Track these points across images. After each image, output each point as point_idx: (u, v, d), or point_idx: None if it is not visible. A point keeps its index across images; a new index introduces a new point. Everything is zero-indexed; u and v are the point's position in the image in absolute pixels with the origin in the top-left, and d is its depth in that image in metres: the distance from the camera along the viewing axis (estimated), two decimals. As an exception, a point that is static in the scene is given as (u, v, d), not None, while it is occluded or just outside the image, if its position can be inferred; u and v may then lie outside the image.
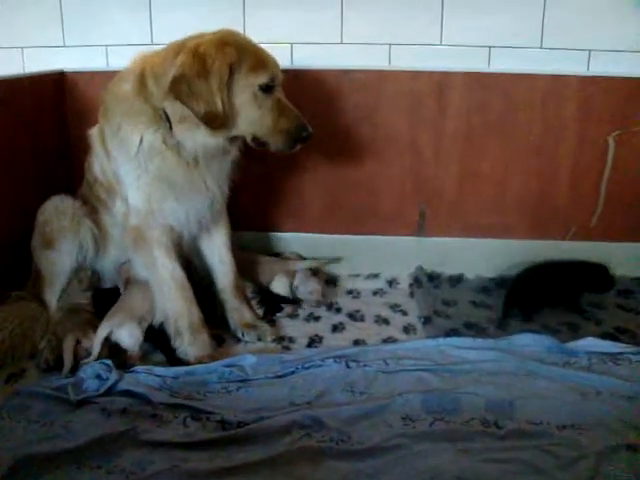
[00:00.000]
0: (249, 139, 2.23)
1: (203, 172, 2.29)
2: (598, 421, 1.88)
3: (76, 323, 2.32)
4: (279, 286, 2.70)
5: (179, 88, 2.06)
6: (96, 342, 2.21)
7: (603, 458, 1.73)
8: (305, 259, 2.96)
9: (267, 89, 2.14)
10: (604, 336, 2.42)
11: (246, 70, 2.10)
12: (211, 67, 2.03)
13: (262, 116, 2.17)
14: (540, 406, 1.95)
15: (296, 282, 2.73)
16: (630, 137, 2.85)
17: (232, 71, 2.07)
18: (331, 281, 2.93)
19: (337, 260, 3.01)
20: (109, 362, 2.11)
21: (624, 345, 2.30)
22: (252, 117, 2.16)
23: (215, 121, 2.10)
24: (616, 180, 2.91)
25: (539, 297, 2.67)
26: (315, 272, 2.84)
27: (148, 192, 2.27)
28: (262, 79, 2.12)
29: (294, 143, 2.22)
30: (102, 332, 2.23)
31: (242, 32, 2.72)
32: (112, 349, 2.24)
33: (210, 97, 2.05)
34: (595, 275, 2.70)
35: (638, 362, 2.19)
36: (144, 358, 2.28)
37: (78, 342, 2.22)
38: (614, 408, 1.95)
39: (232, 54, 2.06)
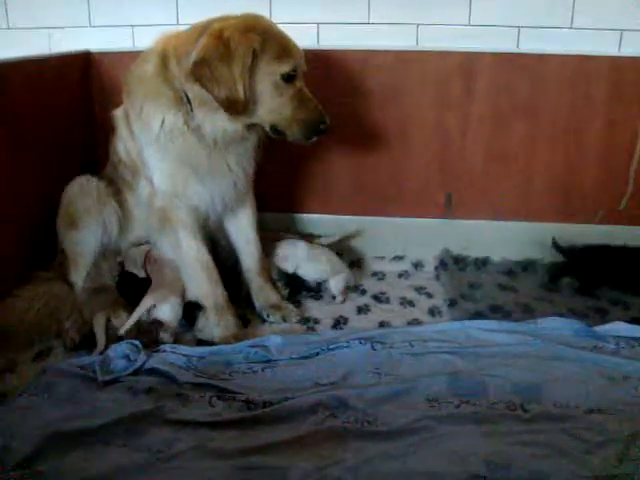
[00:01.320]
0: (267, 127, 2.22)
1: (225, 155, 2.29)
2: (626, 406, 1.86)
3: (105, 302, 2.33)
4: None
5: (201, 71, 2.05)
6: (136, 313, 2.23)
7: (631, 442, 1.70)
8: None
9: (289, 78, 2.13)
10: (632, 321, 2.39)
11: (269, 58, 2.08)
12: (234, 52, 2.02)
13: (282, 105, 2.16)
14: (567, 390, 1.93)
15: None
16: (662, 120, 2.80)
17: (255, 58, 2.06)
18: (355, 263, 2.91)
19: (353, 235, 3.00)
20: (137, 343, 2.11)
21: (653, 330, 2.28)
22: (272, 105, 2.16)
23: (235, 107, 2.09)
24: (646, 163, 2.87)
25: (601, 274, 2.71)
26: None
27: (172, 173, 2.28)
28: (285, 68, 2.11)
29: (311, 134, 2.21)
30: (145, 304, 2.25)
31: (268, 12, 2.74)
32: (141, 330, 2.26)
33: (231, 82, 2.04)
34: None
35: (666, 347, 2.17)
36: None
37: (108, 320, 2.24)
38: (641, 393, 1.93)
39: (256, 40, 2.05)
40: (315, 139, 2.23)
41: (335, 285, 2.61)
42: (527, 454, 1.67)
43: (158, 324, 2.27)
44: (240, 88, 2.05)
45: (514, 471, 1.61)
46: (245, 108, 2.11)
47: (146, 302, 2.27)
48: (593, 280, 2.70)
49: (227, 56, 2.02)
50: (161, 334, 2.26)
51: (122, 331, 2.19)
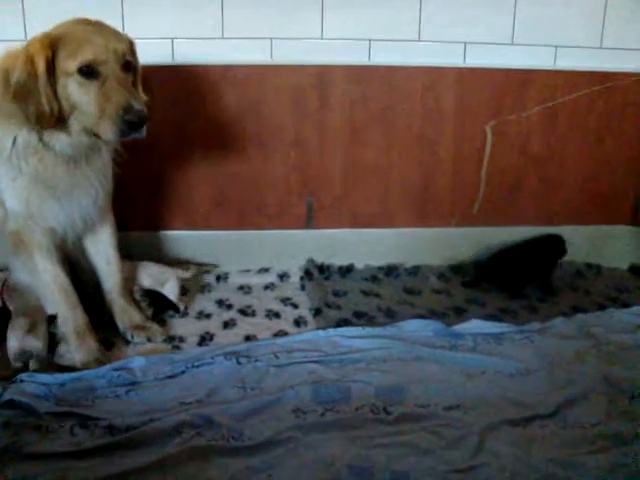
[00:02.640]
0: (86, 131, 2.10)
1: (84, 170, 2.20)
2: (481, 399, 1.96)
3: None
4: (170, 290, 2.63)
5: (15, 92, 1.97)
6: (12, 350, 2.16)
7: (486, 435, 1.80)
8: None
9: (89, 73, 1.99)
10: (488, 317, 2.53)
11: (64, 57, 1.97)
12: (35, 65, 1.94)
13: (87, 104, 2.01)
14: (428, 389, 2.00)
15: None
16: (505, 126, 2.98)
17: (52, 62, 1.97)
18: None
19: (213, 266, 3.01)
20: None
21: (506, 325, 2.42)
22: (81, 107, 2.03)
23: (44, 120, 1.99)
24: (495, 167, 3.04)
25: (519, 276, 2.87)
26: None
27: (26, 194, 2.16)
28: (77, 63, 1.97)
29: (123, 131, 2.00)
30: (17, 334, 2.19)
31: (121, 27, 2.67)
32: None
33: (37, 96, 1.96)
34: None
35: (519, 341, 2.30)
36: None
37: None
38: (497, 386, 2.03)
39: (48, 45, 1.96)
40: (134, 135, 2.03)
41: (170, 293, 2.59)
42: (390, 455, 1.71)
43: (28, 354, 2.18)
44: (44, 100, 1.96)
45: (377, 473, 1.65)
46: (55, 119, 2.01)
47: (16, 332, 2.18)
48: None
49: (30, 71, 1.94)
50: (31, 364, 2.16)
51: (16, 364, 2.13)
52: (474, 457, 1.72)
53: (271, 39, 2.82)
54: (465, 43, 2.90)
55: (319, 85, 2.85)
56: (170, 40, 2.79)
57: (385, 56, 2.87)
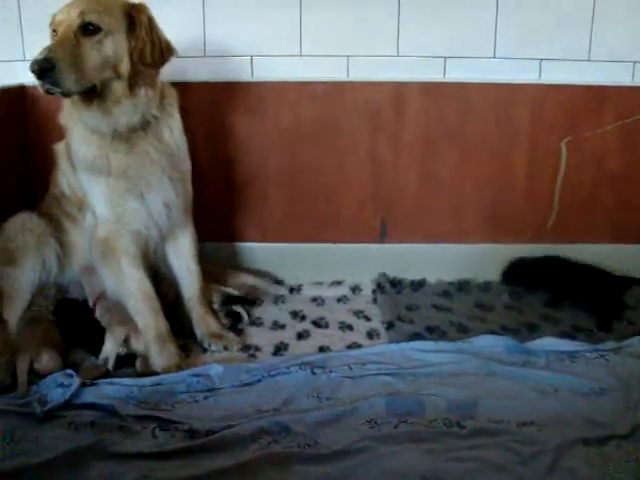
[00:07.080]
0: None
1: (145, 150, 2.26)
2: (556, 417, 1.94)
3: (33, 338, 2.28)
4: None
5: None
6: (111, 347, 2.26)
7: (561, 453, 1.78)
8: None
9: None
10: (561, 335, 2.50)
11: None
12: None
13: None
14: (501, 405, 2.00)
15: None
16: (581, 142, 2.95)
17: None
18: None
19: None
20: (71, 371, 2.09)
21: (580, 343, 2.39)
22: None
23: None
24: (569, 184, 3.01)
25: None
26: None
27: (109, 195, 2.27)
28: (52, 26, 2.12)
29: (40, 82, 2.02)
30: (119, 335, 2.28)
31: (203, 46, 2.78)
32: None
33: None
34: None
35: (593, 360, 2.27)
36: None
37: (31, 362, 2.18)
38: (571, 404, 2.01)
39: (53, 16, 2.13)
40: (51, 88, 2.01)
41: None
42: (463, 469, 1.72)
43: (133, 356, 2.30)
44: None
45: (450, 486, 1.67)
46: None
47: (119, 334, 2.28)
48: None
49: None
50: (137, 364, 2.28)
51: (109, 366, 2.23)
52: (548, 474, 1.71)
53: (348, 56, 2.88)
54: (541, 60, 2.90)
55: (394, 101, 2.90)
56: (249, 57, 2.88)
57: (460, 73, 2.90)
